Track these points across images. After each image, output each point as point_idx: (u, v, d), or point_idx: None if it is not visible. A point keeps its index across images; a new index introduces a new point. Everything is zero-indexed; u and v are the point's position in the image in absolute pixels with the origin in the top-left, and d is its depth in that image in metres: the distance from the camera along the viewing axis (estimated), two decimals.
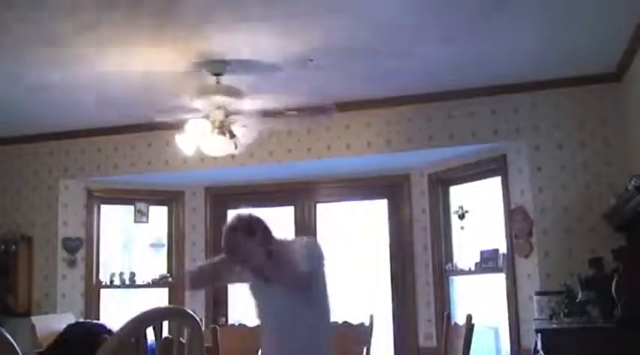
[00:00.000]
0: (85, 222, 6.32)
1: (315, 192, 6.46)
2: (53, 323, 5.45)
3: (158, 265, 6.63)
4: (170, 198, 6.65)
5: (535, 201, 5.02)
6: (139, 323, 1.93)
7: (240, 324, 5.18)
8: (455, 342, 3.75)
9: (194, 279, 3.38)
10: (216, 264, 3.19)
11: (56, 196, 6.24)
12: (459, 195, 5.86)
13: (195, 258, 6.51)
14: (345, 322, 4.37)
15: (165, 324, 2.13)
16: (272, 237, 2.99)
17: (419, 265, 5.91)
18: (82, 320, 5.81)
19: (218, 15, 3.73)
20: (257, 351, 4.77)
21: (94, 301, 6.29)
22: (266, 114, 4.70)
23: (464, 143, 5.35)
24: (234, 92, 4.51)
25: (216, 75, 4.48)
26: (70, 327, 5.28)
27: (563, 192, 4.97)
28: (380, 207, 6.31)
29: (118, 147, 6.17)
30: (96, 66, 4.47)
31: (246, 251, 2.94)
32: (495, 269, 5.37)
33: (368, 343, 4.25)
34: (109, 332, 4.68)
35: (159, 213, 6.68)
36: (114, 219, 6.71)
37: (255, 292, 3.16)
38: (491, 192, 5.52)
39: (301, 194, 6.43)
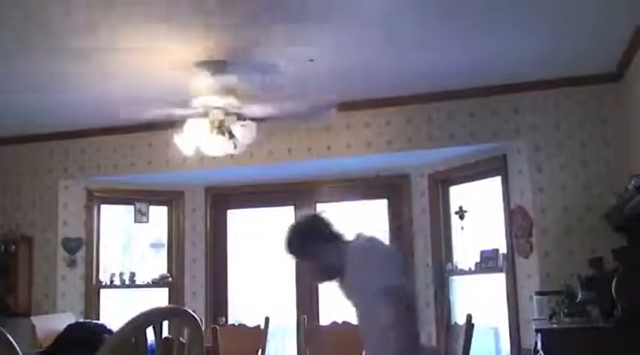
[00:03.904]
0: (85, 222, 6.32)
1: (315, 192, 6.46)
2: (53, 323, 5.44)
3: (158, 265, 6.63)
4: (170, 198, 6.65)
5: (535, 201, 5.02)
6: (139, 323, 1.93)
7: (240, 324, 5.19)
8: (455, 342, 3.74)
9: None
10: None
11: (56, 196, 6.24)
12: (459, 195, 5.86)
13: (195, 259, 6.53)
14: (345, 322, 4.37)
15: (165, 324, 2.13)
16: (324, 241, 3.05)
17: (419, 265, 5.91)
18: (82, 320, 5.81)
19: (218, 15, 3.73)
20: (257, 351, 4.79)
21: (94, 301, 6.29)
22: (266, 114, 4.71)
23: (464, 143, 5.35)
24: (233, 92, 4.52)
25: (217, 75, 4.48)
26: (70, 327, 5.28)
27: (563, 192, 4.97)
28: (380, 207, 6.31)
29: (118, 147, 6.17)
30: (96, 66, 4.47)
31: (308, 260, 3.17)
32: (495, 269, 5.37)
33: None
34: (109, 332, 4.68)
35: (159, 213, 6.68)
36: (114, 219, 6.71)
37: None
38: (491, 192, 5.52)
39: (301, 194, 6.43)
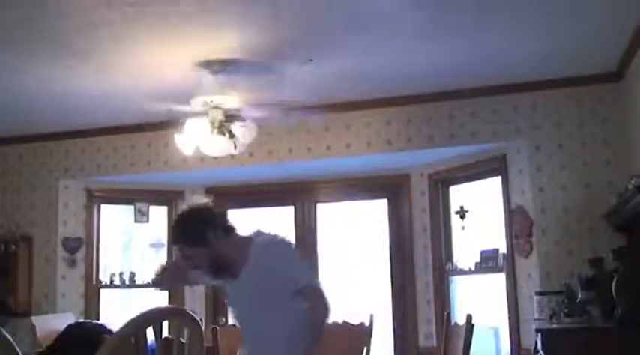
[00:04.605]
0: (85, 222, 6.32)
1: (315, 192, 6.46)
2: (53, 323, 5.45)
3: (158, 265, 6.62)
4: (170, 198, 6.64)
5: (535, 201, 5.02)
6: (139, 323, 1.93)
7: None
8: (455, 342, 3.75)
9: (157, 280, 3.09)
10: (176, 263, 2.96)
11: (56, 196, 6.24)
12: (459, 195, 5.86)
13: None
14: (345, 322, 4.37)
15: (165, 324, 2.13)
16: (214, 232, 2.72)
17: (419, 265, 5.91)
18: (82, 320, 5.81)
19: (218, 15, 3.73)
20: None
21: (94, 301, 6.29)
22: (266, 113, 4.71)
23: (464, 143, 5.35)
24: (233, 92, 4.52)
25: (216, 75, 4.48)
26: (70, 327, 5.28)
27: (563, 192, 4.97)
28: (380, 207, 6.31)
29: (118, 147, 6.17)
30: (96, 66, 4.47)
31: (190, 254, 2.79)
32: (495, 269, 5.37)
33: (368, 343, 4.24)
34: (109, 332, 4.68)
35: (159, 213, 6.68)
36: (114, 219, 6.71)
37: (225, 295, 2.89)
38: (491, 192, 5.52)
39: (301, 194, 6.43)
